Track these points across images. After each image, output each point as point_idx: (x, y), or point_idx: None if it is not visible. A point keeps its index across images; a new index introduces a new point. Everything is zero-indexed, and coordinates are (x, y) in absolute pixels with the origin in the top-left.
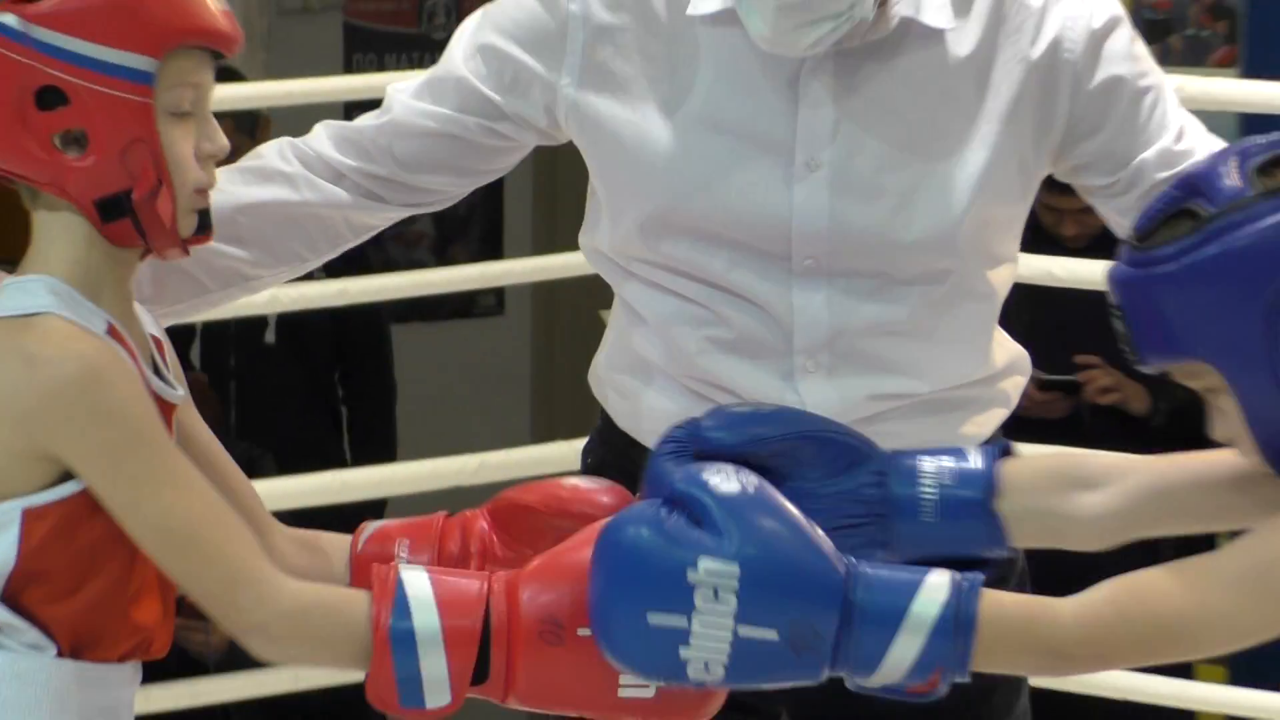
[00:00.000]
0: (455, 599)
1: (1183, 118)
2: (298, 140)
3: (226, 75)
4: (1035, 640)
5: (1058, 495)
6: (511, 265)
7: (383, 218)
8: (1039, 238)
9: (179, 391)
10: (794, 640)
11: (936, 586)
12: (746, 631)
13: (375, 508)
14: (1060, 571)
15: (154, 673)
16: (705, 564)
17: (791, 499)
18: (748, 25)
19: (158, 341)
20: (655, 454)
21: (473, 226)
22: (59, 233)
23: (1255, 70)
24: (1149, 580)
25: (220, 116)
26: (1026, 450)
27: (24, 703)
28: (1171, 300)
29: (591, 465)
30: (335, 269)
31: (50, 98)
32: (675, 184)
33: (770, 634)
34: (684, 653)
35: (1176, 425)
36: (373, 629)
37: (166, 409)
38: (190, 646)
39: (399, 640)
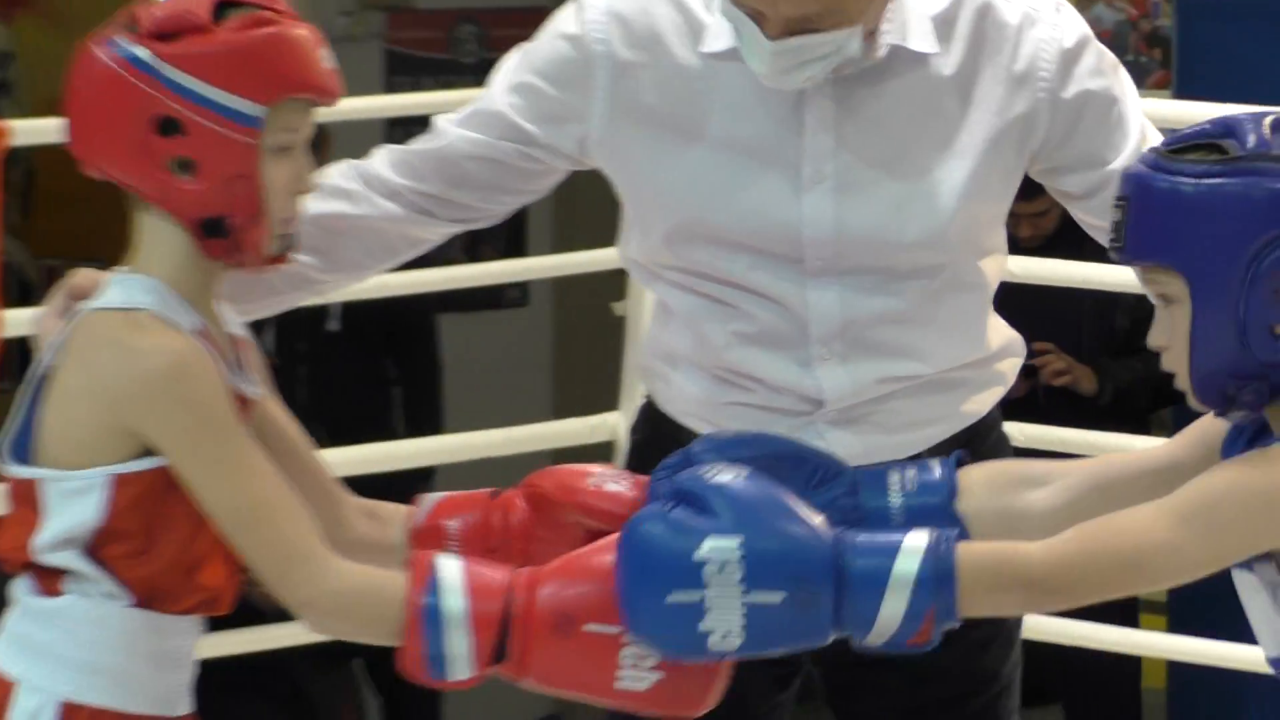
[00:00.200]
0: (482, 587)
1: (1144, 123)
2: (359, 162)
3: None
4: (1011, 579)
5: (1010, 494)
6: (534, 262)
7: (434, 232)
8: None
9: (257, 389)
10: (798, 602)
11: (914, 546)
12: (755, 597)
13: (425, 474)
14: None
15: (218, 622)
16: (709, 543)
17: None
18: (749, 65)
19: (240, 341)
20: (653, 477)
21: (500, 228)
22: (161, 240)
23: (1185, 92)
24: (1108, 519)
25: None
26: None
27: (100, 643)
28: (1176, 210)
29: (636, 441)
30: None
31: (169, 127)
32: (696, 201)
33: (776, 597)
34: (703, 625)
35: (1120, 404)
36: (406, 608)
37: (244, 403)
38: (254, 599)
39: (429, 618)
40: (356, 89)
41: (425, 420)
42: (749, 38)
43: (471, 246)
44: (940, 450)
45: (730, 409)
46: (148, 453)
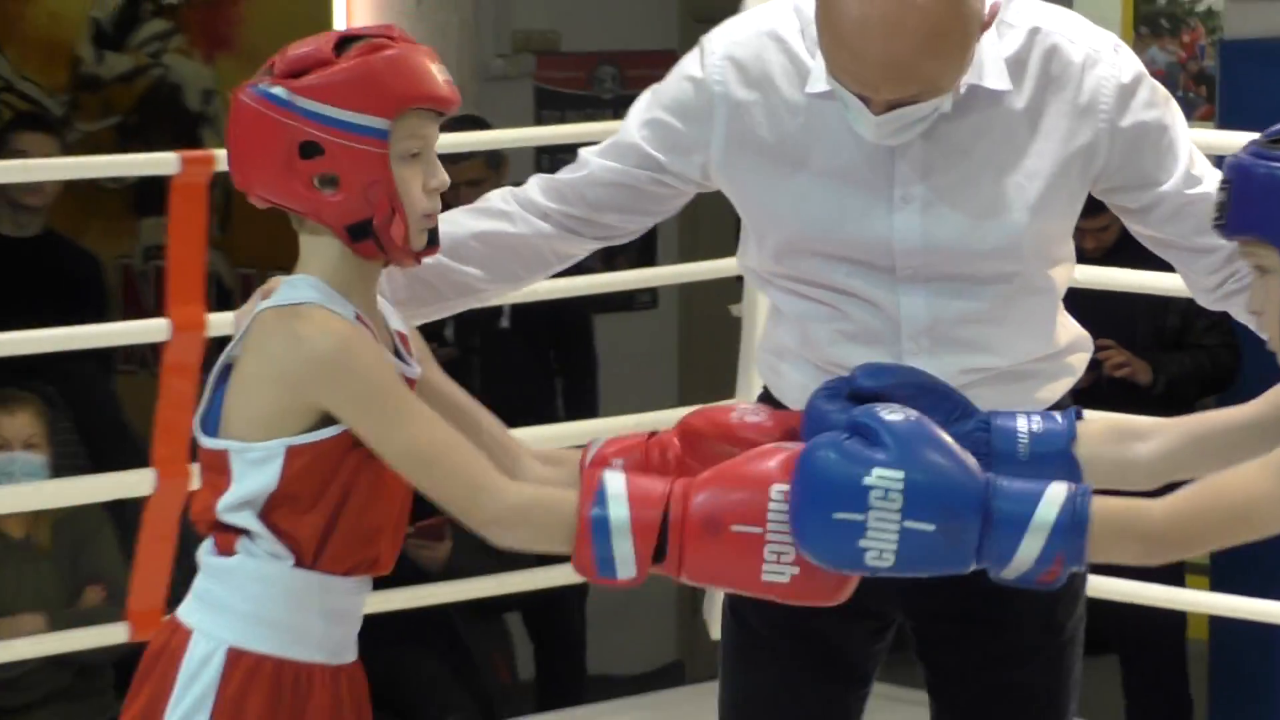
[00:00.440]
0: (642, 496)
1: (1192, 149)
2: (515, 188)
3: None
4: (1135, 533)
5: (1119, 445)
6: (663, 270)
7: (580, 248)
8: None
9: (416, 370)
10: (948, 533)
11: (1055, 496)
12: (910, 524)
13: None
14: None
15: (388, 581)
16: (878, 471)
17: None
18: (855, 127)
19: (402, 336)
20: (814, 395)
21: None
22: (318, 248)
23: (1226, 123)
24: (1217, 478)
25: (473, 155)
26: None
27: (264, 598)
28: (1273, 190)
29: None
30: None
31: (310, 150)
32: (802, 220)
33: (929, 527)
34: (861, 543)
35: (1171, 393)
36: (578, 518)
37: (408, 382)
38: (419, 561)
39: (597, 526)
40: (511, 121)
41: (584, 406)
42: (855, 110)
43: (608, 257)
44: None
45: None
46: (322, 424)
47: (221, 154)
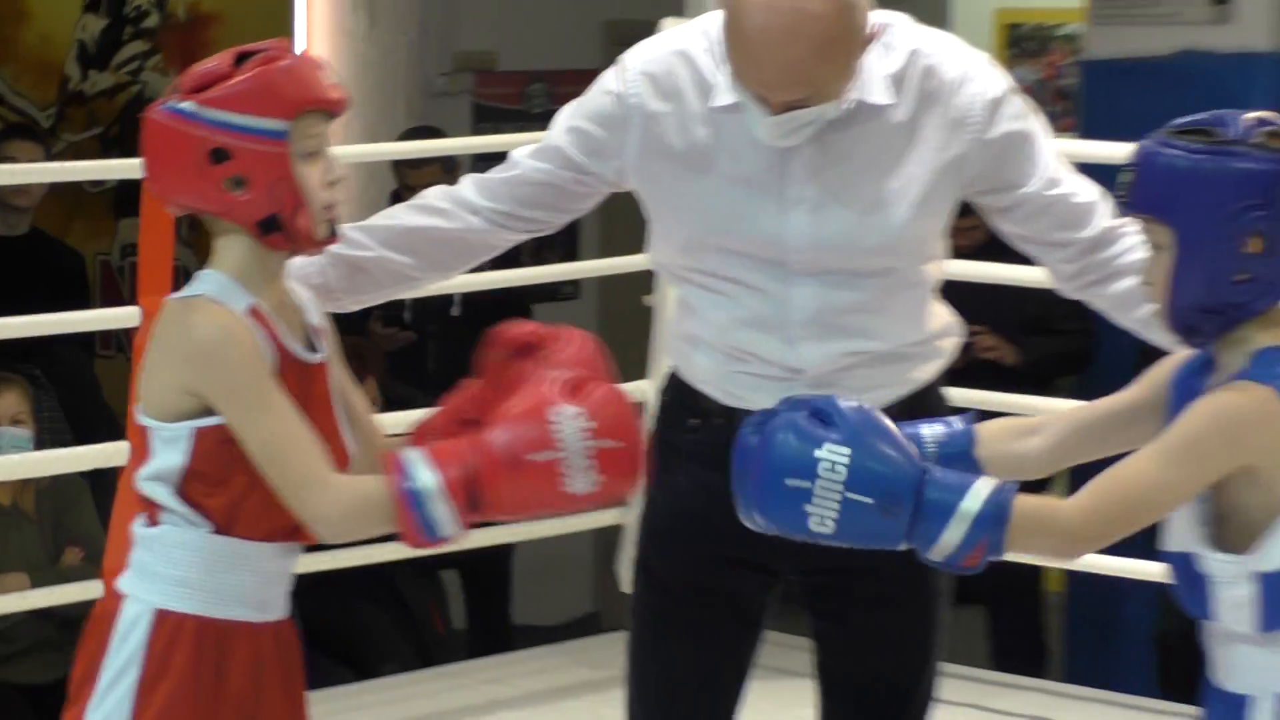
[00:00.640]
0: (444, 459)
1: (1052, 155)
2: (450, 187)
3: (432, 133)
4: (1048, 529)
5: (1013, 443)
6: (584, 264)
7: (507, 240)
8: None
9: (317, 357)
10: (884, 510)
11: (980, 490)
12: (851, 495)
13: None
14: None
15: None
16: (828, 446)
17: None
18: (752, 128)
19: (317, 329)
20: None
21: (560, 237)
22: (227, 246)
23: (1089, 134)
24: (1112, 473)
25: (431, 161)
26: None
27: (186, 562)
28: (1172, 176)
29: (663, 402)
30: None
31: (219, 155)
32: (707, 219)
33: (868, 500)
34: (807, 508)
35: (1033, 372)
36: (392, 497)
37: (302, 367)
38: None
39: (412, 497)
40: (452, 133)
41: None
42: (753, 111)
43: (537, 251)
44: (893, 409)
45: (734, 376)
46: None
47: None
